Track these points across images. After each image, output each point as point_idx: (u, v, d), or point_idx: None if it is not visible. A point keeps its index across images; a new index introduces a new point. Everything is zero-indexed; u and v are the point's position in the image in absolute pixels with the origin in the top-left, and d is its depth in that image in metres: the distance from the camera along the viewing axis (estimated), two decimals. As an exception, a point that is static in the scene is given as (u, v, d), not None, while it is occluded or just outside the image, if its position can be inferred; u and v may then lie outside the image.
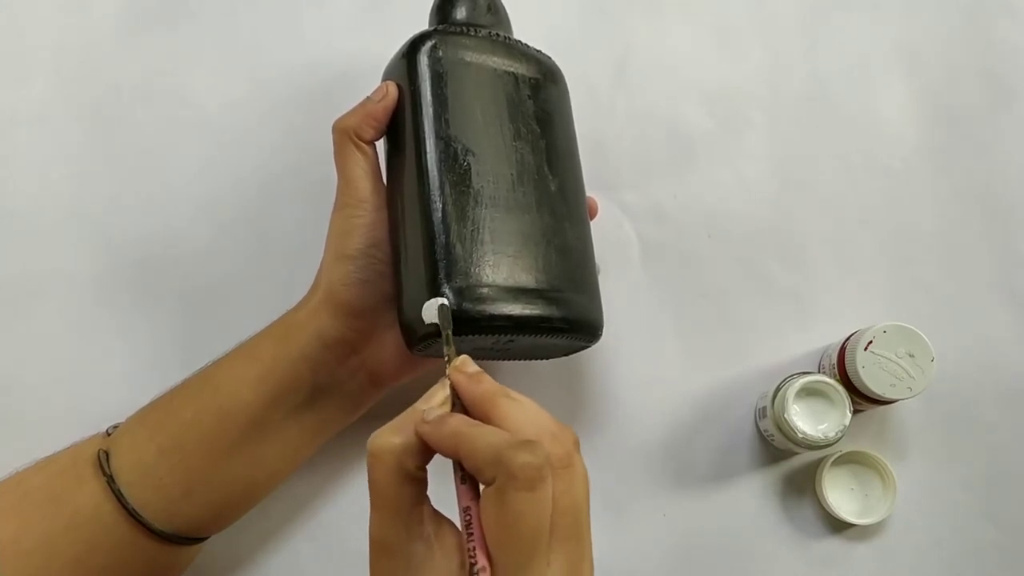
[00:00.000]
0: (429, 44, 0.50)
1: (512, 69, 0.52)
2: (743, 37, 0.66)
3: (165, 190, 0.62)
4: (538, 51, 0.54)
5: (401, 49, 0.51)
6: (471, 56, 0.51)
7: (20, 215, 0.62)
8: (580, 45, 0.65)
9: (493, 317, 0.46)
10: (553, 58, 0.55)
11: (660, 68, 0.66)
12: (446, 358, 0.41)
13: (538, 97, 0.52)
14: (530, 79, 0.52)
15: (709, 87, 0.65)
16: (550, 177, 0.51)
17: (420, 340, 0.47)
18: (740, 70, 0.66)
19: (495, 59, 0.51)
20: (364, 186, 0.51)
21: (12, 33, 0.65)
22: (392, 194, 0.51)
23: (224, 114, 0.64)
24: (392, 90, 0.50)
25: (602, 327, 0.52)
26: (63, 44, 0.64)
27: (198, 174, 0.63)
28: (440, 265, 0.46)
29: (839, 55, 0.66)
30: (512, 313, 0.47)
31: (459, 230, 0.47)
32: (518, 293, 0.47)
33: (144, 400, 0.52)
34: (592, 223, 0.55)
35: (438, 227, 0.47)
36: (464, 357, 0.41)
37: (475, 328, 0.46)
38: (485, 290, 0.46)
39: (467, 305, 0.46)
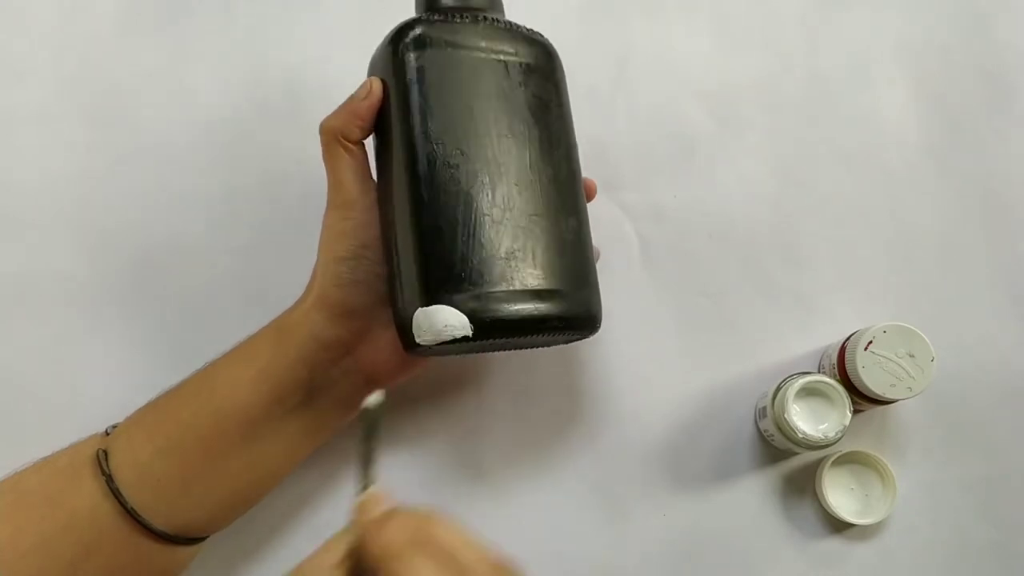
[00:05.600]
0: (413, 34, 0.47)
1: (502, 56, 0.49)
2: (744, 36, 0.66)
3: (165, 190, 0.62)
4: (530, 30, 0.52)
5: (385, 39, 0.49)
6: (458, 45, 0.48)
7: (20, 215, 0.62)
8: (581, 44, 0.65)
9: (487, 321, 0.45)
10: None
11: (661, 68, 0.66)
12: (360, 486, 0.37)
13: (530, 83, 0.50)
14: (521, 64, 0.50)
15: (710, 87, 0.65)
16: (543, 168, 0.49)
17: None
18: (741, 69, 0.66)
19: (484, 45, 0.49)
20: (353, 188, 0.50)
21: (12, 33, 0.65)
22: (382, 193, 0.50)
23: (223, 114, 0.64)
24: (376, 87, 0.49)
25: (600, 319, 0.51)
26: (63, 44, 0.64)
27: (198, 174, 0.63)
28: (432, 269, 0.45)
29: (840, 55, 0.66)
30: (507, 316, 0.46)
31: (450, 230, 0.46)
32: (513, 294, 0.46)
33: (143, 400, 0.52)
34: (592, 223, 0.54)
35: (428, 229, 0.46)
36: (370, 492, 0.38)
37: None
38: (479, 292, 0.45)
39: (460, 308, 0.45)
